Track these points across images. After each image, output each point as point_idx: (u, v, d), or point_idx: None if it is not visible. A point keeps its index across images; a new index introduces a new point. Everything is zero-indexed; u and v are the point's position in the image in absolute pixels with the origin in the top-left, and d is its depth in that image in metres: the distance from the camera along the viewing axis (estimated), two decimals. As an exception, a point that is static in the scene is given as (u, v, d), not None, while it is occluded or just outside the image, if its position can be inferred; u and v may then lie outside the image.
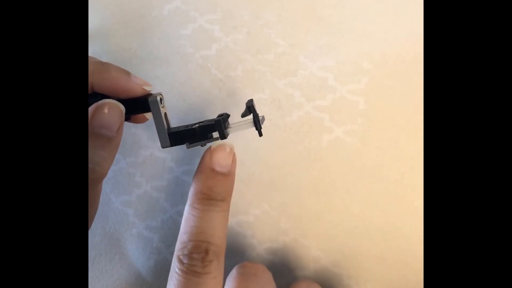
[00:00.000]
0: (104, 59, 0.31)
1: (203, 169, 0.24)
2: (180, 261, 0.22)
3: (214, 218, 0.23)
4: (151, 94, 0.24)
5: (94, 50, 0.31)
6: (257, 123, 0.23)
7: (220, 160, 0.23)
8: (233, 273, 0.25)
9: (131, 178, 0.31)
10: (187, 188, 0.30)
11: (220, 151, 0.23)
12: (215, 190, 0.23)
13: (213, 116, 0.29)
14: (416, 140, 0.28)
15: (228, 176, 0.24)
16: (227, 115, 0.25)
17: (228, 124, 0.24)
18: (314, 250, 0.30)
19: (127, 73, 0.24)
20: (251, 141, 0.29)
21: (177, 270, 0.22)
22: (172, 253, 0.31)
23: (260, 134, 0.23)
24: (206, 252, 0.22)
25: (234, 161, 0.24)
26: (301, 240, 0.30)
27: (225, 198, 0.24)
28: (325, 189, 0.29)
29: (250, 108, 0.23)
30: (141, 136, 0.31)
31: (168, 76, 0.31)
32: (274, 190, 0.30)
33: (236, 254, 0.30)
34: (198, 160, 0.30)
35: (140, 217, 0.31)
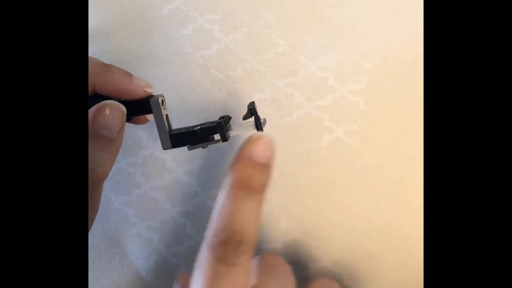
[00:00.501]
0: (104, 59, 0.31)
1: (243, 158, 0.22)
2: (213, 248, 0.21)
3: (250, 209, 0.22)
4: (153, 95, 0.24)
5: (94, 50, 0.31)
6: (259, 126, 0.23)
7: (260, 151, 0.22)
8: (253, 264, 0.24)
9: (131, 178, 0.31)
10: (187, 188, 0.30)
11: (260, 142, 0.23)
12: (254, 180, 0.22)
13: (213, 116, 0.29)
14: (416, 140, 0.28)
15: (267, 167, 0.23)
16: (229, 117, 0.24)
17: (230, 126, 0.24)
18: (314, 250, 0.30)
19: (129, 75, 0.24)
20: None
21: (208, 258, 0.21)
22: (172, 253, 0.31)
23: None
24: (240, 243, 0.21)
25: (273, 153, 0.23)
26: (301, 240, 0.30)
27: (262, 190, 0.23)
28: (325, 189, 0.29)
29: (252, 111, 0.23)
30: (142, 136, 0.31)
31: (168, 76, 0.31)
32: (274, 190, 0.30)
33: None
34: (199, 160, 0.30)
35: (140, 217, 0.31)
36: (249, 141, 0.23)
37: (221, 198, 0.22)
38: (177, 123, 0.30)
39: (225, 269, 0.21)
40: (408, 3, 0.29)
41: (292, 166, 0.29)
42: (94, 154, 0.22)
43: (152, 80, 0.31)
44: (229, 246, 0.21)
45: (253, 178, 0.22)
